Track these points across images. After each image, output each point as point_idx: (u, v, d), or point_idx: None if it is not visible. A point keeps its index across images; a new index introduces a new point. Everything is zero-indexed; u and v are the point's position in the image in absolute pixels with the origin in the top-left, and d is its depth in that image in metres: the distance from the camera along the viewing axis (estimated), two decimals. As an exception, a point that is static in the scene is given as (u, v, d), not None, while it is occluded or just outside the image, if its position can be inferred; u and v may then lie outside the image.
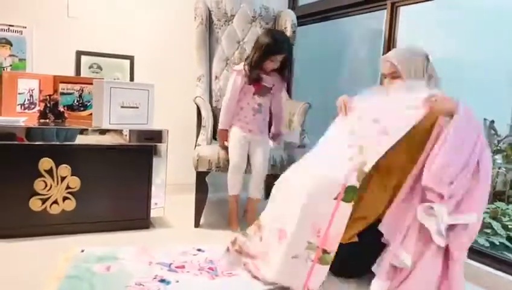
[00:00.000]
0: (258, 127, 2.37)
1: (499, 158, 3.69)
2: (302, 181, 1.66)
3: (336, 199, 1.54)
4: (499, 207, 3.13)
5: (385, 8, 2.48)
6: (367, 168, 1.54)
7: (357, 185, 1.53)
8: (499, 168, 3.61)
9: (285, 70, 2.43)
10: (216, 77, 2.82)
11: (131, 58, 2.96)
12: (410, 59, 1.80)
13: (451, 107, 1.55)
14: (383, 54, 2.48)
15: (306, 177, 1.66)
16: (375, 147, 1.58)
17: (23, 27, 2.64)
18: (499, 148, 3.71)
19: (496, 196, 3.49)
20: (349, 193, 1.53)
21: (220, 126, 2.37)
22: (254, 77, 2.33)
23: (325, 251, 1.56)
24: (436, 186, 1.48)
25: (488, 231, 2.86)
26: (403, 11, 2.43)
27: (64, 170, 2.06)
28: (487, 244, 2.73)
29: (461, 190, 1.50)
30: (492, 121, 3.82)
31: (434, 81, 1.83)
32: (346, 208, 1.53)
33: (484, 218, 2.94)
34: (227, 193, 2.33)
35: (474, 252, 1.98)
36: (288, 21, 2.88)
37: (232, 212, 2.36)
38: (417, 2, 2.36)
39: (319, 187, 1.58)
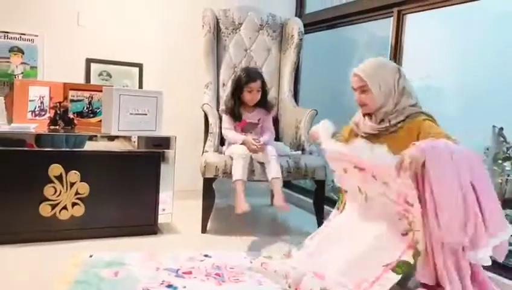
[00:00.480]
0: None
1: (508, 165, 3.65)
2: (354, 243, 1.70)
3: (385, 266, 1.57)
4: (508, 215, 3.10)
5: (391, 16, 2.49)
6: (420, 247, 1.56)
7: (412, 262, 1.56)
8: (508, 175, 3.58)
9: (267, 102, 2.49)
10: (223, 84, 2.85)
11: (140, 66, 3.00)
12: (379, 73, 1.81)
13: (420, 161, 1.50)
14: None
15: (359, 240, 1.70)
16: (417, 220, 1.57)
17: (35, 35, 2.69)
18: (508, 155, 3.68)
19: (505, 203, 3.46)
20: (402, 267, 1.57)
21: (239, 141, 2.35)
22: (234, 113, 2.41)
23: None
24: (454, 240, 1.48)
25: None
26: (410, 19, 2.44)
27: (74, 176, 2.09)
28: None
29: (476, 222, 1.48)
30: (501, 128, 3.79)
31: (408, 94, 1.82)
32: (394, 278, 1.55)
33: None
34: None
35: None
36: (295, 29, 2.90)
37: (239, 194, 2.20)
38: (424, 10, 2.37)
39: (372, 251, 1.63)
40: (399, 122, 1.79)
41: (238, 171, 2.23)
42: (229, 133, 2.42)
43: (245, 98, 2.40)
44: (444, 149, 1.52)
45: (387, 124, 1.81)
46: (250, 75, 2.38)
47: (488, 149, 3.72)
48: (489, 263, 1.54)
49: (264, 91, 2.45)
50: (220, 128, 2.51)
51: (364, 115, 1.91)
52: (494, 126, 3.79)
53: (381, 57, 1.93)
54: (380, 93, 1.80)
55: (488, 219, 1.49)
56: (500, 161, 3.64)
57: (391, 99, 1.80)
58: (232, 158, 2.28)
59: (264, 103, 2.47)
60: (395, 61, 2.44)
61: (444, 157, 1.51)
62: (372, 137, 1.83)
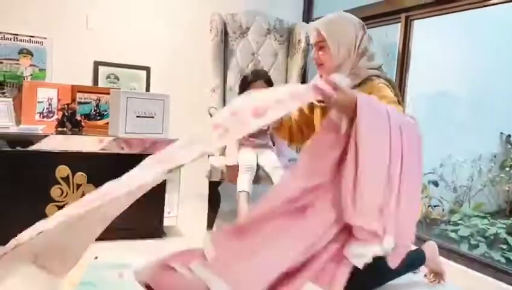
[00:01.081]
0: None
1: (515, 173, 3.62)
2: None
3: None
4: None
5: (399, 22, 2.49)
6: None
7: None
8: (515, 183, 3.55)
9: None
10: (230, 88, 2.85)
11: (147, 69, 3.01)
12: (339, 27, 1.58)
13: (350, 99, 1.17)
14: (397, 68, 2.49)
15: None
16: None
17: (44, 38, 2.71)
18: (515, 162, 3.66)
19: (512, 211, 3.44)
20: None
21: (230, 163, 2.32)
22: None
23: None
24: (367, 224, 1.13)
25: (504, 246, 2.81)
26: (417, 25, 2.43)
27: (80, 177, 2.09)
28: (503, 260, 2.68)
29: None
30: (509, 135, 3.77)
31: (369, 56, 1.61)
32: None
33: (499, 233, 2.89)
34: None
35: (488, 267, 1.95)
36: (302, 34, 2.91)
37: (242, 206, 2.17)
38: (432, 16, 2.37)
39: None
40: (354, 87, 1.48)
41: (244, 183, 2.23)
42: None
43: None
44: (382, 108, 1.20)
45: None
46: (256, 74, 2.35)
47: (495, 156, 3.71)
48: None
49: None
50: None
51: (321, 77, 1.62)
52: (501, 133, 3.78)
53: (346, 12, 1.68)
54: (338, 52, 1.56)
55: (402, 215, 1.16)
56: (507, 168, 3.62)
57: (350, 60, 1.57)
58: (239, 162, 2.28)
59: None
60: (403, 68, 2.44)
61: (381, 113, 1.18)
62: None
